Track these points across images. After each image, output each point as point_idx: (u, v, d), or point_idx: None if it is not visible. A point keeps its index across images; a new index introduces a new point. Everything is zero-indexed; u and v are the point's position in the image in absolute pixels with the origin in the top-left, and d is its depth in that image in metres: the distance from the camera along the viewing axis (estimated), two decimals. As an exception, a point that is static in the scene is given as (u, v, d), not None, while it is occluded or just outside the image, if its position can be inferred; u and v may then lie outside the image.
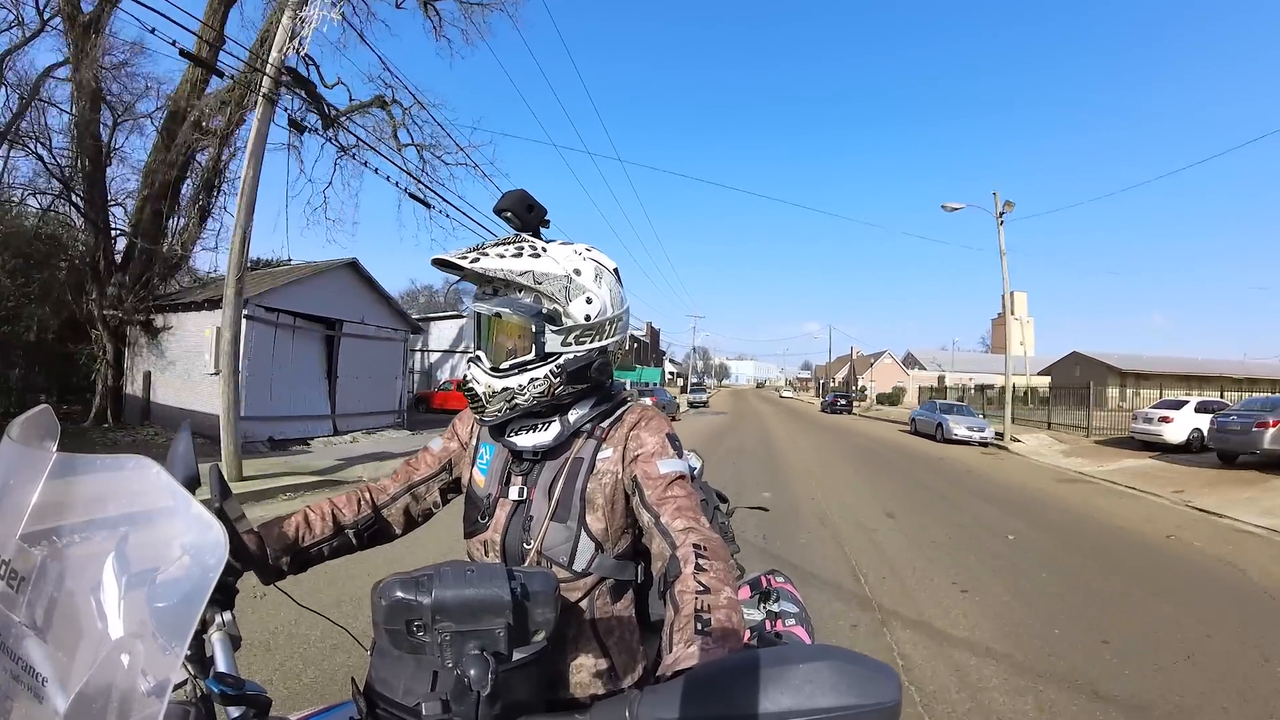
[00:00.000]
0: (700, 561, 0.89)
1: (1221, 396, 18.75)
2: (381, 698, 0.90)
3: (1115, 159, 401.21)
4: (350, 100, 16.09)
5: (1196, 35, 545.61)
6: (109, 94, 16.63)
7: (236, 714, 0.75)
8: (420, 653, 0.68)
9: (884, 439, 21.33)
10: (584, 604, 1.11)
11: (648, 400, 21.15)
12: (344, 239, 58.01)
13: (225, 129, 15.53)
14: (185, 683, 0.75)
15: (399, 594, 0.66)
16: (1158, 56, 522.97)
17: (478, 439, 1.25)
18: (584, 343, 1.11)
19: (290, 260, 18.46)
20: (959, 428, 19.00)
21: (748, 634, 1.27)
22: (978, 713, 3.19)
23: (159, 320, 13.27)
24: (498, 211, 1.13)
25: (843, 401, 41.79)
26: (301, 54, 9.17)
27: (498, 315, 1.11)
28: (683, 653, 0.75)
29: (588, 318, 1.10)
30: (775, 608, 1.50)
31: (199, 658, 0.79)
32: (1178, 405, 15.92)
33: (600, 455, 1.13)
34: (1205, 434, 14.31)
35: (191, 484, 0.88)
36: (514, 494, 1.14)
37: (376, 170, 14.57)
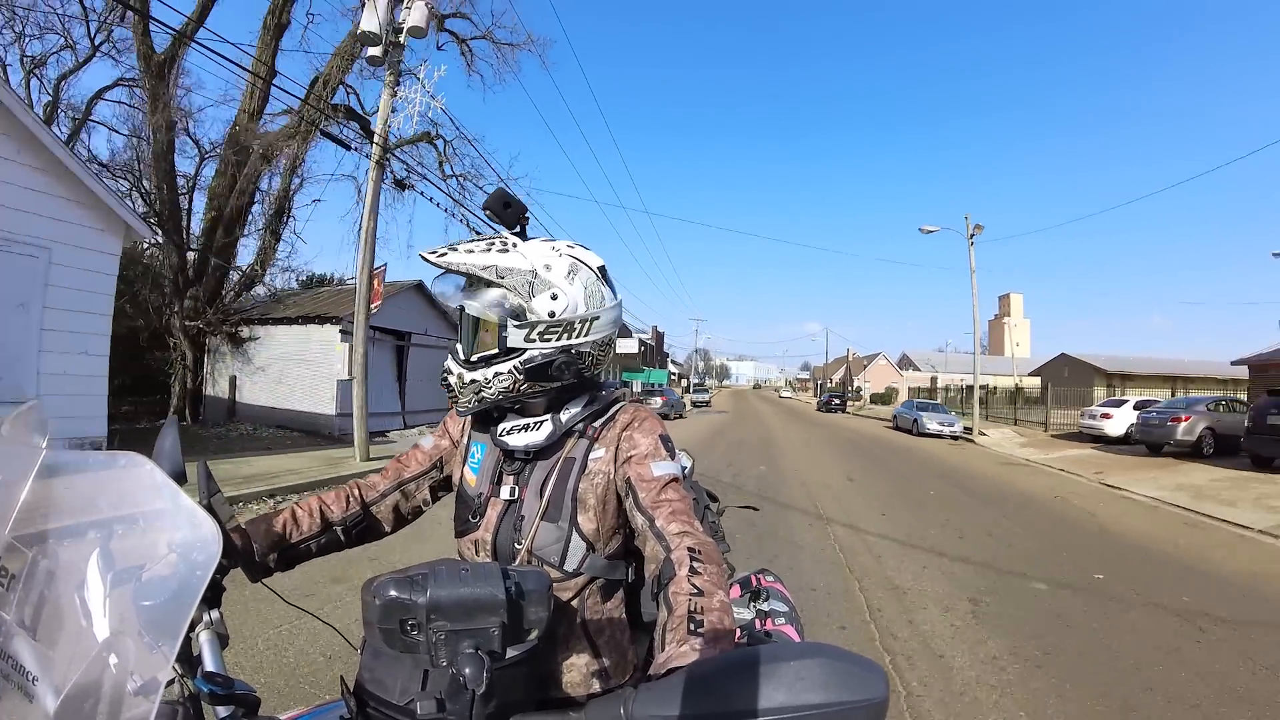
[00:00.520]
0: (694, 565, 0.90)
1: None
2: (372, 696, 0.92)
3: (1115, 161, 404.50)
4: (400, 135, 18.66)
5: (1197, 35, 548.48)
6: (188, 131, 18.98)
7: (225, 713, 0.74)
8: (414, 652, 0.67)
9: (867, 433, 24.07)
10: (575, 603, 1.11)
11: (658, 400, 23.85)
12: (398, 258, 60.22)
13: (295, 161, 18.09)
14: (173, 682, 0.73)
15: (393, 593, 0.66)
16: (1156, 57, 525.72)
17: (469, 437, 1.26)
18: (549, 340, 1.08)
19: (353, 278, 20.99)
20: (931, 423, 21.82)
21: (738, 633, 1.27)
22: (874, 563, 5.82)
23: (245, 331, 15.70)
24: (484, 209, 1.14)
25: (837, 401, 44.65)
26: (385, 129, 11.46)
27: (462, 309, 1.13)
28: (675, 651, 0.77)
29: (552, 314, 1.08)
30: (765, 606, 1.51)
31: (186, 656, 0.78)
32: (1119, 404, 18.54)
33: (592, 455, 1.14)
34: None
35: (178, 479, 0.87)
36: (505, 493, 1.14)
37: (430, 198, 17.11)
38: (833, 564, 5.75)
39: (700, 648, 0.77)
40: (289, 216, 18.05)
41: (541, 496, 1.12)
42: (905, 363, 78.51)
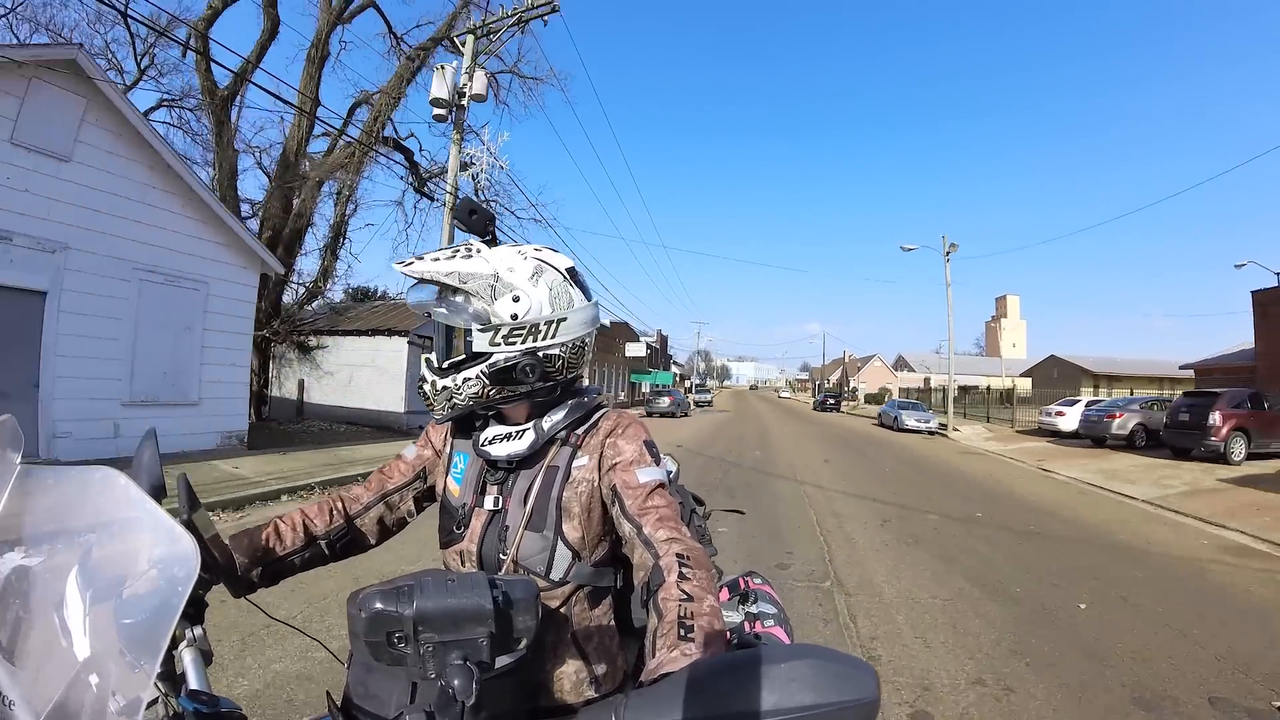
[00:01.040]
0: (683, 570, 0.91)
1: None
2: (361, 711, 0.94)
3: (1114, 162, 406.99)
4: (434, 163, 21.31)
5: (1200, 35, 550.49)
6: (260, 164, 21.56)
7: None
8: (402, 664, 0.67)
9: (854, 429, 26.78)
10: (563, 611, 1.12)
11: (665, 400, 26.52)
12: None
13: (351, 188, 20.69)
14: (156, 701, 0.72)
15: (379, 605, 0.65)
16: (1157, 57, 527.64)
17: (451, 447, 1.26)
18: (514, 343, 1.09)
19: (400, 293, 23.60)
20: (909, 419, 24.61)
21: (728, 637, 1.20)
22: (827, 503, 8.51)
23: (313, 340, 18.26)
24: (453, 219, 1.18)
25: (831, 401, 47.46)
26: (457, 182, 13.98)
27: (428, 315, 1.15)
28: (666, 657, 0.77)
29: (514, 316, 1.09)
30: (754, 609, 1.52)
31: (169, 675, 0.77)
32: (1072, 403, 21.14)
33: (576, 463, 1.15)
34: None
35: (158, 493, 0.85)
36: (489, 503, 1.15)
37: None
38: (800, 505, 8.54)
39: (692, 653, 0.77)
40: (345, 238, 20.61)
41: (525, 505, 1.12)
42: (900, 364, 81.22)
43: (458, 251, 1.11)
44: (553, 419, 1.17)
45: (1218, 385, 19.85)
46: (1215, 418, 14.21)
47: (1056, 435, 20.88)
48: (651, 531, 1.01)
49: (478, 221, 1.16)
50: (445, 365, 1.15)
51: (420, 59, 21.90)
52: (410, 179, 21.38)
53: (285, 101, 21.15)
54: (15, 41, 20.32)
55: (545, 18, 13.63)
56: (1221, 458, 14.11)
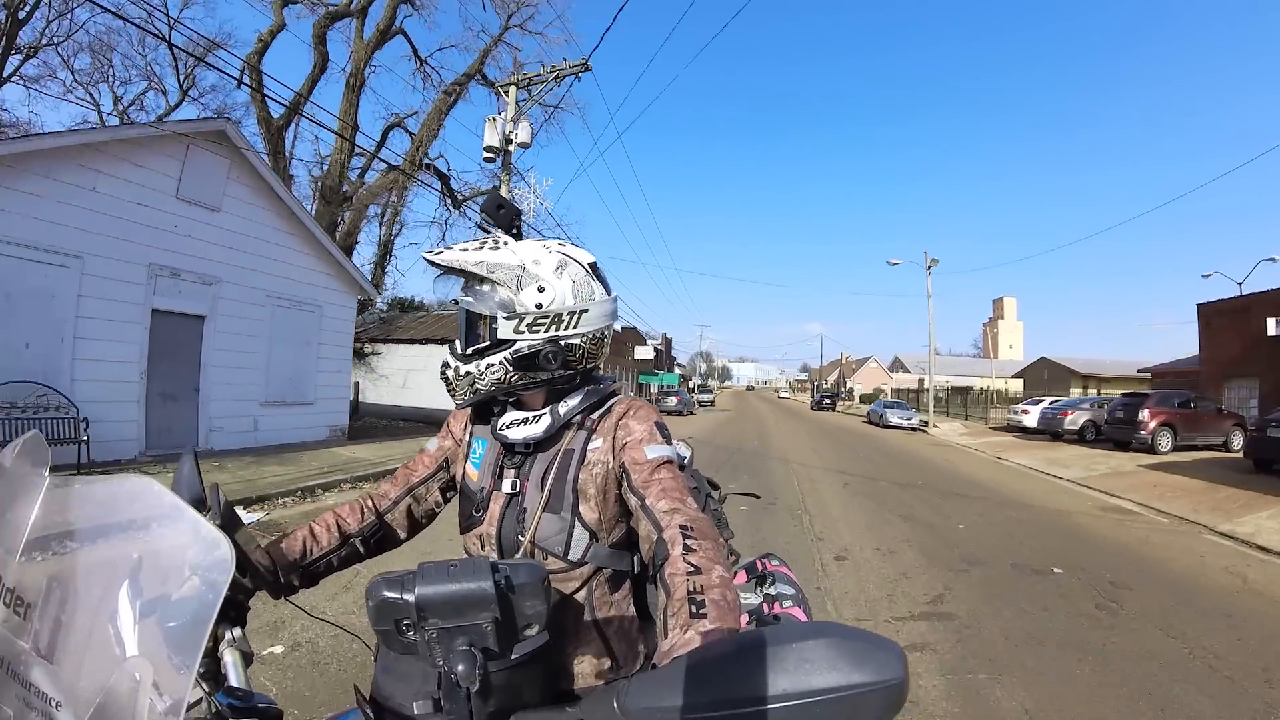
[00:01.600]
0: (688, 542, 0.90)
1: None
2: (388, 701, 0.97)
3: (1114, 162, 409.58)
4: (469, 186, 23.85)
5: (1200, 35, 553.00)
6: (319, 191, 24.15)
7: None
8: (413, 652, 0.68)
9: (844, 426, 29.45)
10: (581, 595, 1.14)
11: (672, 400, 29.35)
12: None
13: (396, 210, 23.22)
14: (200, 701, 0.77)
15: (385, 593, 0.66)
16: (1158, 58, 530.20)
17: (470, 434, 1.30)
18: (537, 331, 1.13)
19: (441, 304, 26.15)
20: (893, 417, 27.34)
21: (745, 617, 1.28)
22: (807, 474, 11.22)
23: (368, 347, 20.77)
24: (481, 213, 1.22)
25: (827, 400, 50.30)
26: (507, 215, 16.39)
27: (455, 302, 1.19)
28: (679, 638, 0.75)
29: (539, 306, 1.12)
30: (772, 590, 1.53)
31: (213, 675, 0.82)
32: (1036, 402, 23.73)
33: (590, 446, 1.18)
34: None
35: (198, 505, 0.91)
36: (507, 486, 1.17)
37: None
38: (787, 475, 11.31)
39: (704, 630, 0.74)
40: (391, 255, 23.17)
41: (543, 488, 1.14)
42: (897, 365, 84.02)
43: (485, 243, 1.15)
44: (569, 404, 1.20)
45: (1169, 387, 22.41)
46: (1144, 415, 16.71)
47: (1022, 431, 23.45)
48: (654, 502, 1.02)
49: (504, 216, 1.21)
50: (469, 352, 1.18)
51: (456, 93, 24.54)
52: (446, 199, 23.86)
53: (331, 130, 23.69)
54: (170, 115, 23.26)
55: (579, 75, 16.06)
56: (1150, 448, 16.62)
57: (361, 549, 1.25)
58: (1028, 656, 3.89)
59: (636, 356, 42.08)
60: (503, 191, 15.90)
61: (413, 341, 20.11)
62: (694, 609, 0.78)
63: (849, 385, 74.42)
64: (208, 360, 10.56)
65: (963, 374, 66.31)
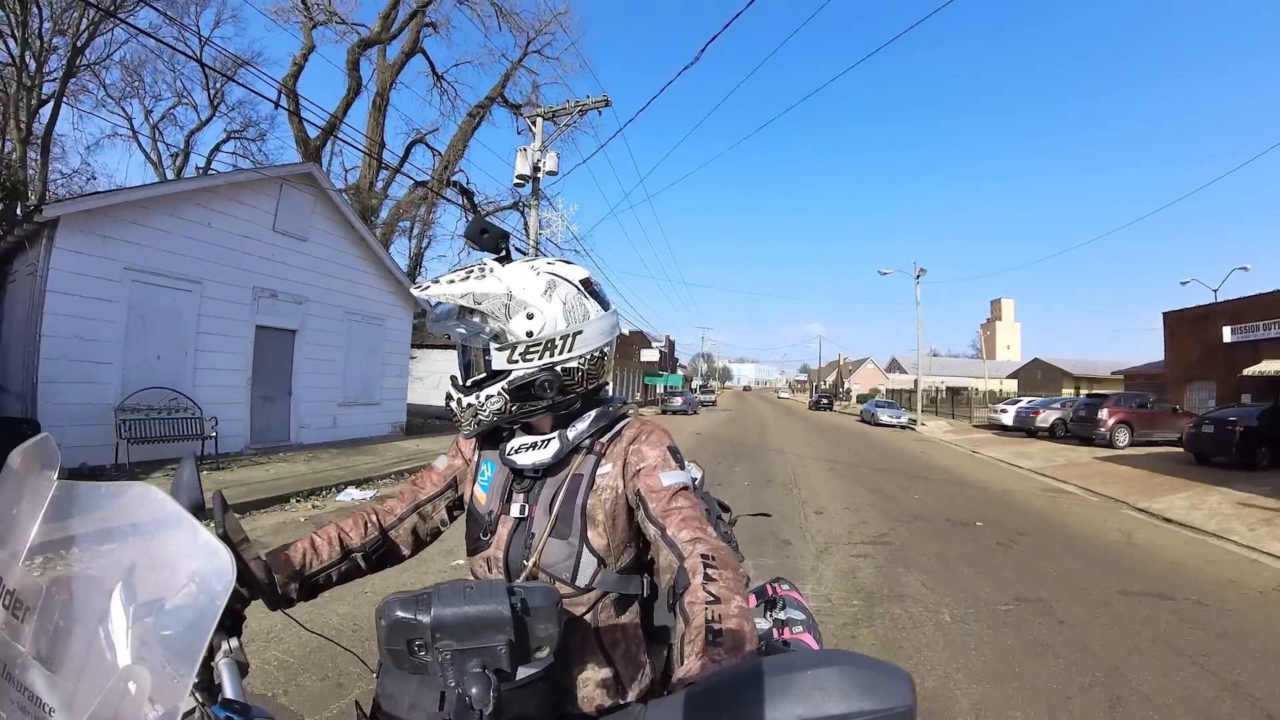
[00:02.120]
0: (709, 571, 0.91)
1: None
2: (389, 717, 0.98)
3: (1115, 160, 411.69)
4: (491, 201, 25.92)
5: (1198, 35, 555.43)
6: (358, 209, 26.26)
7: None
8: (423, 672, 0.69)
9: (838, 424, 31.71)
10: (588, 618, 1.14)
11: (678, 400, 31.64)
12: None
13: (425, 223, 25.29)
14: (194, 711, 0.76)
15: (399, 613, 0.67)
16: (1157, 58, 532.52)
17: (479, 456, 1.30)
18: (531, 359, 1.12)
19: None
20: (884, 415, 29.52)
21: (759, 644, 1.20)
22: (800, 463, 13.38)
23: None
24: (464, 239, 1.21)
25: (825, 400, 52.60)
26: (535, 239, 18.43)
27: (449, 335, 1.18)
28: (695, 665, 0.76)
29: (529, 334, 1.11)
30: (782, 615, 1.53)
31: (207, 685, 0.81)
32: (1015, 402, 25.76)
33: (600, 471, 1.17)
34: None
35: (197, 511, 0.90)
36: (515, 511, 1.18)
37: (517, 248, 24.39)
38: (783, 462, 13.49)
39: (720, 658, 0.76)
40: (421, 268, 25.23)
41: (550, 513, 1.14)
42: (894, 366, 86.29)
43: (471, 272, 1.12)
44: (577, 428, 1.19)
45: (1139, 388, 24.47)
46: (1103, 414, 18.83)
47: (1001, 428, 25.54)
48: (675, 532, 1.02)
49: (489, 240, 1.18)
50: (469, 383, 1.18)
51: (479, 115, 26.64)
52: (469, 216, 26.00)
53: (360, 149, 25.71)
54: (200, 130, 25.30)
55: (600, 110, 18.07)
56: (1109, 443, 18.69)
57: (363, 564, 1.24)
58: (935, 564, 6.04)
59: (642, 359, 44.31)
60: (531, 216, 17.93)
61: (444, 347, 22.13)
62: (711, 637, 0.79)
63: (846, 386, 76.82)
64: (298, 368, 12.62)
65: (959, 374, 68.45)
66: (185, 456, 1.08)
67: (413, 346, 23.31)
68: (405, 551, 1.32)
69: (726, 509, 1.58)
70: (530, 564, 1.13)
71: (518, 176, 17.38)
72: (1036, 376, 59.14)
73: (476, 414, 1.16)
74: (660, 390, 45.30)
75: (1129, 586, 5.62)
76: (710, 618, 0.83)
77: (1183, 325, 24.71)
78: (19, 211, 10.00)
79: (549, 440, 1.19)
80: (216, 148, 32.10)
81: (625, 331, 37.95)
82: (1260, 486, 11.59)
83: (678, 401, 36.45)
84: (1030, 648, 4.13)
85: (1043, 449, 18.83)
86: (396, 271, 15.09)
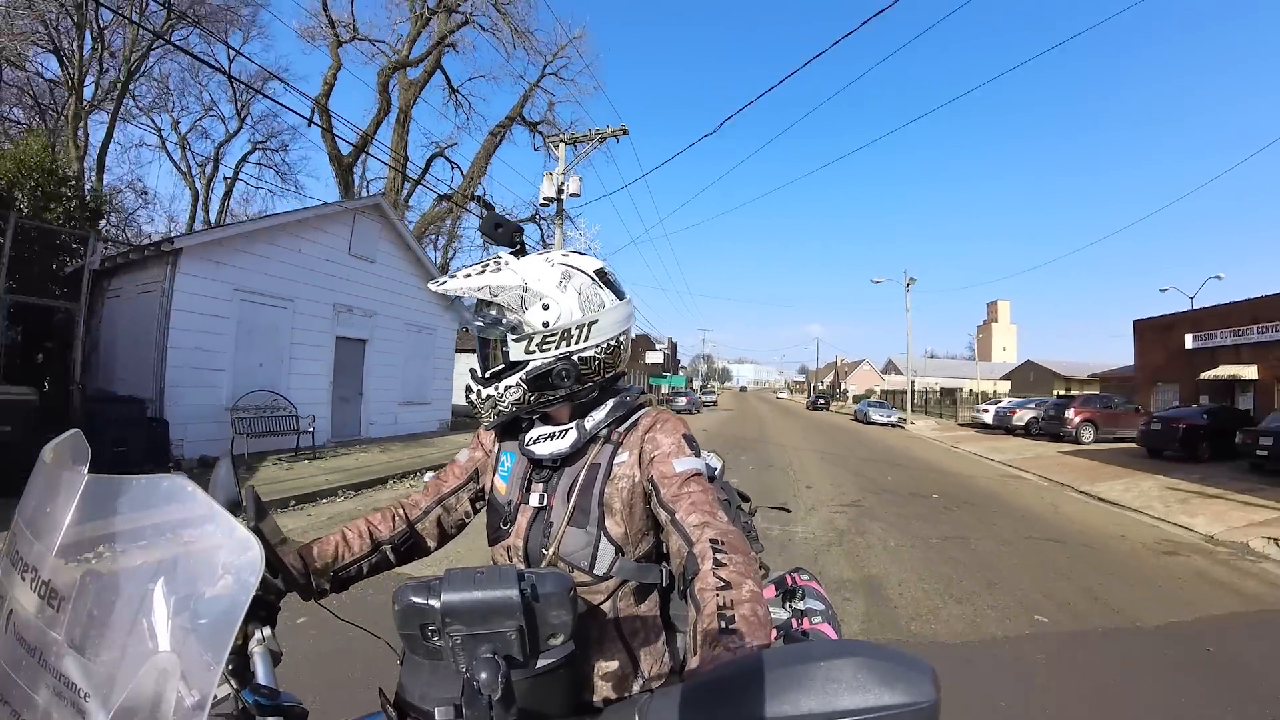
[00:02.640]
0: (718, 556, 0.92)
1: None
2: (412, 707, 1.00)
3: (1111, 164, 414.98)
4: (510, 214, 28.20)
5: (1194, 35, 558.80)
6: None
7: None
8: (437, 657, 0.70)
9: (833, 423, 34.18)
10: (607, 606, 1.17)
11: (682, 400, 34.30)
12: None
13: (452, 234, 27.52)
14: (227, 697, 0.80)
15: (411, 598, 0.69)
16: (1156, 58, 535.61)
17: (500, 447, 1.33)
18: (547, 349, 1.15)
19: None
20: (875, 414, 32.10)
21: (774, 632, 1.18)
22: (796, 454, 15.76)
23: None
24: (480, 233, 1.23)
25: (822, 401, 55.21)
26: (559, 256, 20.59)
27: (467, 329, 1.22)
28: (708, 655, 0.76)
29: (545, 324, 1.14)
30: (801, 606, 1.54)
31: (241, 672, 0.85)
32: (997, 402, 28.11)
33: (617, 460, 1.20)
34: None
35: (233, 507, 0.94)
36: (534, 500, 1.20)
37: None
38: (782, 453, 15.78)
39: (734, 646, 0.75)
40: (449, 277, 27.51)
41: (569, 502, 1.17)
42: (890, 367, 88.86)
43: (487, 266, 1.15)
44: (595, 418, 1.23)
45: (1113, 390, 26.81)
46: (1070, 413, 21.21)
47: (983, 427, 27.92)
48: (684, 516, 1.04)
49: (504, 234, 1.19)
50: (488, 375, 1.22)
51: (500, 135, 28.85)
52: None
53: (385, 163, 27.91)
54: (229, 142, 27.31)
55: (618, 137, 20.30)
56: (1075, 439, 21.00)
57: (392, 556, 1.28)
58: (892, 518, 8.42)
59: (647, 361, 46.60)
60: (556, 234, 20.13)
61: (472, 351, 24.42)
62: (723, 624, 0.79)
63: (843, 386, 79.49)
64: (368, 372, 14.86)
65: (955, 376, 70.68)
66: (222, 455, 1.13)
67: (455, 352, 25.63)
68: (431, 544, 1.36)
69: (746, 499, 1.60)
70: (550, 553, 1.16)
71: (544, 198, 19.61)
72: (1029, 378, 61.22)
73: (496, 405, 1.19)
74: (665, 390, 47.68)
75: (1036, 534, 7.93)
76: (722, 604, 0.82)
77: (1151, 332, 27.00)
78: (127, 237, 12.20)
79: (567, 430, 1.22)
80: (244, 159, 34.37)
81: (633, 334, 40.06)
82: (1191, 475, 13.83)
83: (682, 401, 38.95)
84: (944, 560, 6.45)
85: (1016, 444, 21.16)
86: (444, 287, 17.39)
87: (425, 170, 30.62)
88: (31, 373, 11.75)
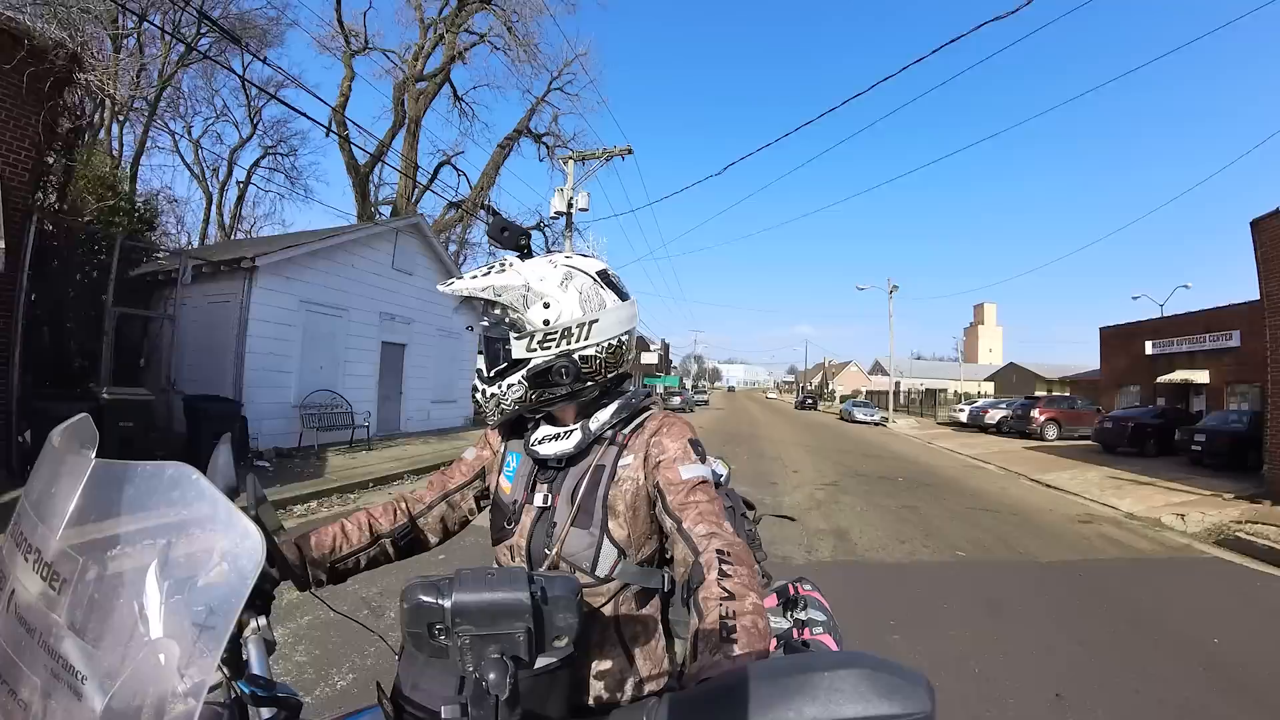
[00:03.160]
0: (724, 567, 0.94)
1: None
2: (408, 701, 1.02)
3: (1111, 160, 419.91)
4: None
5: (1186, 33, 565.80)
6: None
7: (268, 715, 0.82)
8: (443, 656, 0.71)
9: (820, 421, 36.73)
10: (608, 609, 1.18)
11: (677, 399, 36.75)
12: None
13: (460, 242, 29.52)
14: (220, 685, 0.80)
15: (420, 597, 0.70)
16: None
17: (505, 447, 1.35)
18: (548, 347, 1.18)
19: None
20: (859, 413, 34.73)
21: (774, 642, 1.20)
22: (785, 448, 18.08)
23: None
24: (487, 237, 1.29)
25: (810, 401, 58.04)
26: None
27: (470, 329, 1.29)
28: (707, 661, 0.80)
29: (546, 322, 1.17)
30: (803, 615, 1.55)
31: (235, 661, 0.86)
32: (973, 402, 30.62)
33: (621, 462, 1.22)
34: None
35: (230, 493, 0.94)
36: (538, 500, 1.23)
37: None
38: (771, 446, 18.21)
39: (733, 655, 0.79)
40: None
41: (573, 503, 1.19)
42: (877, 369, 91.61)
43: (492, 268, 1.20)
44: (600, 419, 1.25)
45: (1082, 392, 29.29)
46: (1035, 412, 23.65)
47: (959, 425, 30.43)
48: (691, 526, 1.06)
49: (509, 238, 1.24)
50: (492, 374, 1.24)
51: (509, 147, 30.82)
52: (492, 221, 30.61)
53: (397, 169, 29.85)
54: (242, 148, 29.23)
55: (623, 155, 22.43)
56: (1040, 437, 23.44)
57: (391, 551, 1.31)
58: (862, 493, 10.75)
59: (643, 361, 48.92)
60: (565, 247, 22.21)
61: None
62: (725, 633, 0.83)
63: (831, 387, 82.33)
64: (406, 374, 16.95)
65: (941, 377, 73.20)
66: (221, 441, 1.12)
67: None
68: (433, 540, 1.39)
69: (751, 506, 1.63)
70: (553, 553, 1.18)
71: (554, 212, 21.72)
72: (1012, 380, 63.64)
73: (499, 403, 1.23)
74: (660, 390, 49.91)
75: (977, 506, 10.20)
76: (725, 614, 0.86)
77: (1115, 339, 29.49)
78: (210, 257, 14.19)
79: (571, 431, 1.25)
80: (255, 164, 36.01)
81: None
82: (1134, 467, 16.03)
83: (676, 401, 41.30)
84: (897, 520, 8.74)
85: (986, 441, 23.59)
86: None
87: (434, 177, 32.47)
88: (130, 376, 13.54)
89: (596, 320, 1.21)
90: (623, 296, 1.27)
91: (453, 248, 33.10)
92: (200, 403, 11.77)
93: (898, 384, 72.55)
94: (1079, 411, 24.46)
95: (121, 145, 26.68)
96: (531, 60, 30.49)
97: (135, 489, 0.73)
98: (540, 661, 0.73)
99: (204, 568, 0.69)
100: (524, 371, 1.20)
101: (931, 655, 4.07)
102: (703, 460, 1.21)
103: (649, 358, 50.11)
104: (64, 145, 10.42)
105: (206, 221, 34.45)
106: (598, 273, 1.25)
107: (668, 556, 1.20)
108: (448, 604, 0.69)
